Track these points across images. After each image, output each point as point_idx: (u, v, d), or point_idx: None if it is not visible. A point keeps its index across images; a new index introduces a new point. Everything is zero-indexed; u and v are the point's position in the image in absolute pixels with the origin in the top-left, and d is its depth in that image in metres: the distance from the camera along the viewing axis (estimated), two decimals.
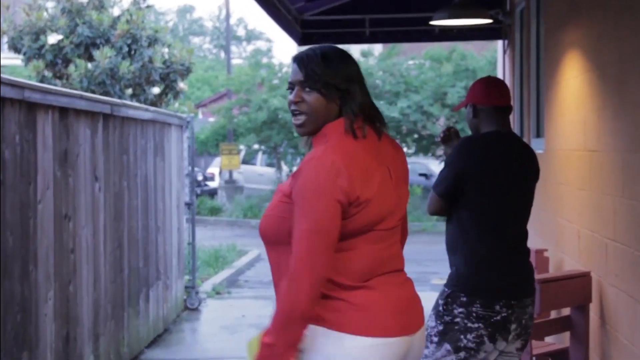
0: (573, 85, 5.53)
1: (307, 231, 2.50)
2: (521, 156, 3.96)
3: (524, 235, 3.93)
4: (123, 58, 10.67)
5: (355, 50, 20.22)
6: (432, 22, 7.44)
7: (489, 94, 3.93)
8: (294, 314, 2.53)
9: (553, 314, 5.57)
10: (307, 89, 2.63)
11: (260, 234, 2.69)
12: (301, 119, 2.65)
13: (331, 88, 2.62)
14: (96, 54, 10.49)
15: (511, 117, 8.53)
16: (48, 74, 10.77)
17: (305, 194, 2.51)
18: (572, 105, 5.54)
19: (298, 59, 2.67)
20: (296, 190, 2.53)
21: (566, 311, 5.07)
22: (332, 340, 2.56)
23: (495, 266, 3.68)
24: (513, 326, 3.73)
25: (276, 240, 2.63)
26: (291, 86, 2.68)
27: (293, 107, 2.66)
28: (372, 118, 2.67)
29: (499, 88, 3.99)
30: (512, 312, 3.70)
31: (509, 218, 3.82)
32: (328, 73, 2.63)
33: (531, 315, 3.83)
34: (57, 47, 10.73)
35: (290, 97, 2.67)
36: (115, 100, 6.83)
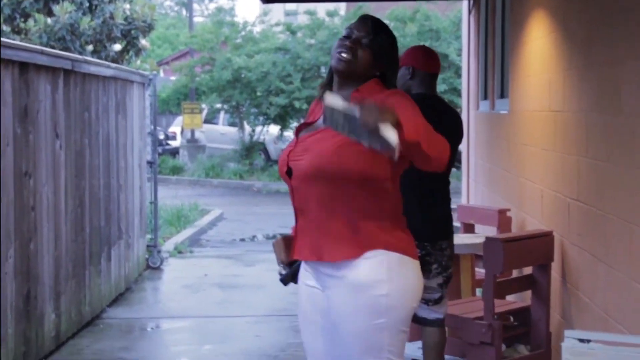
0: (538, 46, 5.52)
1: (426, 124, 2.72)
2: (447, 118, 4.41)
3: (441, 187, 4.44)
4: (84, 14, 10.48)
5: (320, 9, 20.08)
6: None
7: (427, 61, 4.50)
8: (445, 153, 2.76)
9: (515, 273, 5.62)
10: (365, 44, 2.94)
11: (310, 172, 2.88)
12: (345, 56, 2.92)
13: (380, 56, 2.97)
14: (56, 9, 10.29)
15: (476, 77, 8.56)
16: (6, 28, 10.56)
17: (410, 105, 2.75)
18: (537, 66, 5.54)
19: (371, 19, 3.00)
20: (399, 103, 2.71)
21: (528, 270, 5.12)
22: (405, 263, 2.94)
23: (413, 214, 3.77)
24: (434, 266, 4.35)
25: (333, 176, 2.86)
26: (350, 33, 2.96)
27: (343, 48, 2.93)
28: None
29: (435, 57, 4.57)
30: (427, 252, 4.30)
31: (426, 173, 4.02)
32: (388, 45, 2.99)
33: (449, 256, 4.42)
34: (16, 1, 10.51)
35: (347, 42, 2.94)
36: (77, 56, 6.72)
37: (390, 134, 2.42)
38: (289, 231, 3.12)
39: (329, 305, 2.97)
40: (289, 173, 2.99)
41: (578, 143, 4.53)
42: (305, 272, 3.08)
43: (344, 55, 2.93)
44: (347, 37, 2.96)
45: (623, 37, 3.81)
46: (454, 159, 4.14)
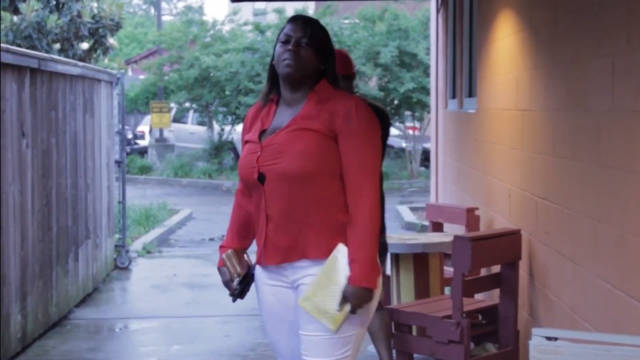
0: (506, 44, 5.55)
1: (376, 159, 3.05)
2: None
3: None
4: (50, 12, 10.38)
5: (289, 8, 20.07)
6: None
7: (343, 64, 4.66)
8: (377, 229, 3.03)
9: (483, 272, 5.65)
10: (305, 44, 3.08)
11: (292, 172, 3.00)
12: (293, 62, 3.06)
13: (321, 51, 3.12)
14: (22, 6, 10.17)
15: (444, 76, 8.59)
16: None
17: (369, 131, 3.04)
18: (505, 65, 5.57)
19: (302, 20, 3.14)
20: (356, 127, 3.02)
21: (496, 269, 5.14)
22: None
23: None
24: None
25: (314, 174, 3.00)
26: (288, 38, 3.10)
27: (287, 55, 3.07)
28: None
29: (347, 60, 4.84)
30: None
31: None
32: (325, 38, 3.15)
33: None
34: None
35: (290, 45, 3.07)
36: (43, 54, 6.66)
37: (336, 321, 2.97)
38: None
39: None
40: (260, 179, 3.05)
41: (545, 141, 4.56)
42: (265, 274, 3.17)
43: (291, 61, 3.07)
44: (285, 42, 3.11)
45: (589, 36, 3.84)
46: (383, 157, 4.16)
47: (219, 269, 3.31)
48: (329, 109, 3.06)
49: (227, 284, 3.26)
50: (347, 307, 2.94)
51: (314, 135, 3.03)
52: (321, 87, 3.14)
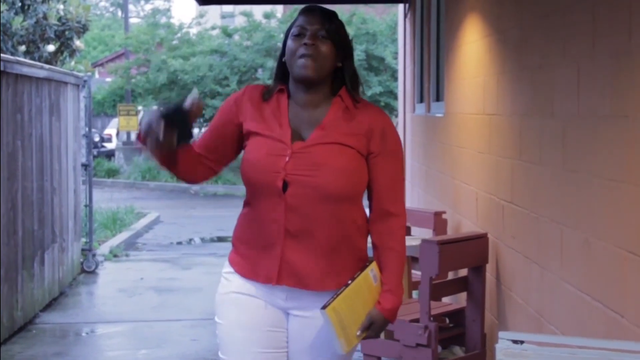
0: (473, 49, 5.59)
1: (404, 181, 2.87)
2: None
3: None
4: (16, 13, 10.29)
5: (257, 11, 20.05)
6: None
7: None
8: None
9: (450, 275, 5.67)
10: (322, 38, 2.74)
11: (330, 191, 2.68)
12: (310, 61, 2.71)
13: (341, 45, 2.78)
14: None
15: (412, 80, 8.63)
16: None
17: (400, 150, 2.83)
18: (472, 70, 5.61)
19: (318, 10, 2.78)
20: (392, 148, 2.78)
21: (463, 272, 5.17)
22: None
23: None
24: None
25: (349, 195, 2.74)
26: (303, 31, 2.74)
27: (304, 51, 2.71)
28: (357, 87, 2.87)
29: None
30: None
31: None
32: (344, 32, 2.81)
33: None
34: None
35: (306, 39, 2.72)
36: (8, 56, 6.59)
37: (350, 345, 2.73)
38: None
39: (296, 329, 2.81)
40: (283, 187, 2.69)
41: (512, 146, 4.60)
42: (253, 287, 2.79)
43: (309, 59, 2.71)
44: (299, 35, 2.74)
45: (555, 41, 3.87)
46: None
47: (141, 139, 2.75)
48: (362, 125, 2.75)
49: (150, 134, 2.66)
50: (365, 333, 2.74)
51: (352, 153, 2.72)
52: (345, 92, 2.81)
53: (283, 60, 2.80)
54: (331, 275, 2.73)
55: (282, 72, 2.82)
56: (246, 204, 2.84)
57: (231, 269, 2.85)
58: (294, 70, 2.74)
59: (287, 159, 2.70)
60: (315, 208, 2.68)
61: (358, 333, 2.72)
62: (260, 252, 2.76)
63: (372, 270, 2.75)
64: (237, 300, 2.80)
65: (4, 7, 10.05)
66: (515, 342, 2.48)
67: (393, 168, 2.79)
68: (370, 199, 2.83)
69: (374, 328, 2.75)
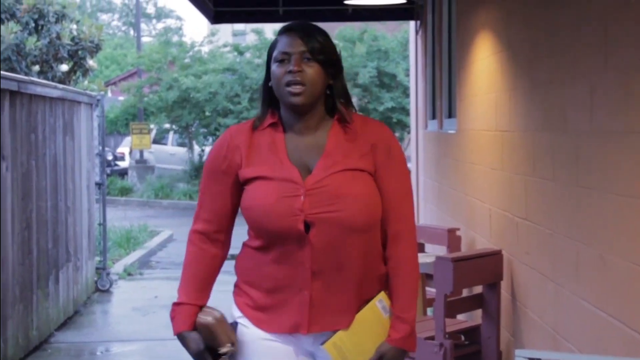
0: (484, 65, 5.60)
1: (412, 196, 2.65)
2: None
3: None
4: (29, 34, 10.37)
5: (268, 29, 20.11)
6: (346, 2, 7.44)
7: None
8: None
9: (465, 292, 5.66)
10: (308, 60, 2.54)
11: (356, 222, 2.50)
12: (299, 88, 2.51)
13: (329, 63, 2.58)
14: (1, 29, 10.16)
15: (424, 97, 8.64)
16: None
17: (405, 164, 2.62)
18: (484, 86, 5.61)
19: (299, 29, 2.57)
20: (397, 163, 2.60)
21: (478, 289, 5.16)
22: None
23: None
24: None
25: (374, 222, 2.56)
26: (286, 57, 2.54)
27: (290, 78, 2.51)
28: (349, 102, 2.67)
29: None
30: None
31: None
32: (330, 47, 2.60)
33: None
34: None
35: (291, 66, 2.52)
36: (22, 77, 6.63)
37: None
38: (235, 251, 2.63)
39: None
40: (305, 229, 2.49)
41: (525, 162, 4.59)
42: (271, 336, 2.58)
43: (297, 88, 2.51)
44: (282, 61, 2.54)
45: (567, 57, 3.88)
46: None
47: (182, 335, 2.60)
48: (366, 143, 2.57)
49: (200, 355, 2.57)
50: None
51: (364, 176, 2.54)
52: (341, 110, 2.62)
53: (270, 85, 2.60)
54: (359, 308, 2.57)
55: (270, 97, 2.62)
56: (253, 247, 2.60)
57: (243, 316, 2.63)
58: (284, 98, 2.55)
59: (302, 198, 2.49)
60: (343, 244, 2.50)
61: None
62: (283, 301, 2.54)
63: (380, 301, 2.58)
64: (267, 350, 2.59)
65: (17, 27, 10.13)
66: (531, 359, 2.47)
67: (400, 183, 2.60)
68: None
69: None
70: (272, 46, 2.60)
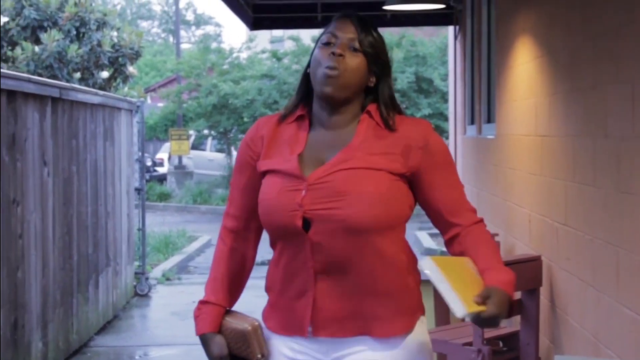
0: (524, 70, 5.56)
1: (463, 190, 2.43)
2: None
3: None
4: (71, 41, 10.50)
5: (305, 35, 20.17)
6: (386, 7, 7.44)
7: None
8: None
9: None
10: (354, 50, 2.35)
11: (360, 223, 2.26)
12: (334, 72, 2.31)
13: (375, 60, 2.39)
14: (43, 36, 10.30)
15: (462, 102, 8.60)
16: None
17: (451, 160, 2.43)
18: (523, 91, 5.58)
19: (355, 18, 2.39)
20: (440, 159, 2.36)
21: (517, 295, 5.12)
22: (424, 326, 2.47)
23: None
24: None
25: (385, 225, 2.29)
26: (333, 40, 2.35)
27: (329, 62, 2.32)
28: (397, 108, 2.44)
29: None
30: None
31: None
32: (382, 45, 2.41)
33: None
34: (3, 30, 10.52)
35: (334, 48, 2.33)
36: (64, 83, 6.72)
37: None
38: (271, 256, 2.45)
39: None
40: (304, 226, 2.29)
41: (565, 167, 4.56)
42: (285, 342, 2.40)
43: (334, 73, 2.31)
44: (327, 44, 2.36)
45: (607, 61, 3.84)
46: None
47: (205, 336, 2.46)
48: (397, 142, 2.35)
49: None
50: (485, 306, 2.15)
51: (381, 175, 2.29)
52: (375, 108, 2.40)
53: (307, 71, 2.42)
54: (381, 319, 2.32)
55: (305, 87, 2.43)
56: (272, 248, 2.45)
57: (265, 326, 2.46)
58: (316, 85, 2.35)
59: (303, 192, 2.29)
60: (347, 245, 2.27)
61: (477, 300, 2.14)
62: (291, 302, 2.37)
63: (468, 261, 2.28)
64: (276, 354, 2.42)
65: (59, 35, 10.26)
66: None
67: (449, 180, 2.37)
68: (434, 221, 2.42)
69: (494, 300, 2.16)
70: (323, 32, 2.42)
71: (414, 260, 2.40)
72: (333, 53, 2.32)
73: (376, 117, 2.38)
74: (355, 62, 2.34)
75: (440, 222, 2.39)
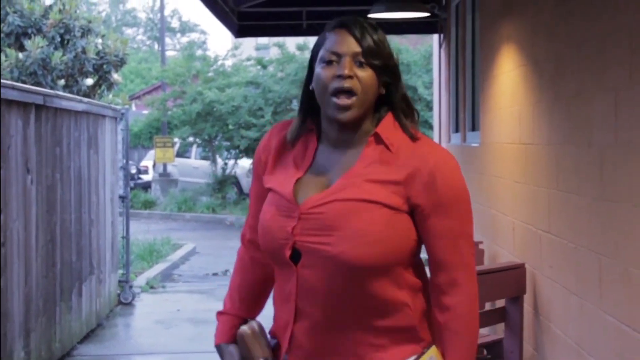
0: (508, 79, 5.58)
1: (471, 237, 2.17)
2: None
3: None
4: (55, 48, 10.46)
5: (291, 42, 20.18)
6: (370, 15, 7.45)
7: None
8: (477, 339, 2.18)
9: (488, 306, 5.63)
10: (360, 65, 2.12)
11: (350, 262, 2.04)
12: (349, 101, 2.10)
13: (384, 69, 2.16)
14: (27, 43, 10.26)
15: (447, 110, 8.62)
16: None
17: (460, 199, 2.14)
18: (508, 99, 5.60)
19: (353, 26, 2.14)
20: (444, 197, 2.10)
21: (501, 303, 5.13)
22: None
23: None
24: None
25: (380, 266, 2.07)
26: (335, 58, 2.12)
27: (338, 85, 2.10)
28: (411, 115, 2.23)
29: None
30: None
31: None
32: (387, 49, 2.18)
33: None
34: None
35: (341, 69, 2.10)
36: (48, 91, 6.69)
37: None
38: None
39: None
40: (293, 257, 2.11)
41: (549, 175, 4.57)
42: None
43: (344, 103, 2.10)
44: (330, 62, 2.13)
45: (591, 70, 3.86)
46: None
47: (220, 347, 2.36)
48: (401, 170, 2.10)
49: None
50: None
51: (379, 210, 2.06)
52: (386, 124, 2.17)
53: (310, 88, 2.19)
54: None
55: (309, 103, 2.22)
56: None
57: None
58: (328, 110, 2.13)
59: (294, 223, 2.11)
60: (334, 285, 2.07)
61: None
62: (278, 325, 2.24)
63: (431, 358, 2.14)
64: None
65: (43, 42, 10.22)
66: None
67: (449, 225, 2.11)
68: (428, 263, 2.20)
69: None
70: (318, 44, 2.18)
71: (415, 294, 2.16)
72: (341, 76, 2.10)
73: (386, 137, 2.15)
74: (366, 77, 2.12)
75: (430, 268, 2.20)
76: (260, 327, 2.32)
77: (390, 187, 2.09)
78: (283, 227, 2.12)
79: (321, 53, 2.16)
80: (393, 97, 2.19)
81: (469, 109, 7.41)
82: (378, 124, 2.18)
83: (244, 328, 2.31)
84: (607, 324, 3.63)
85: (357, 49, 2.12)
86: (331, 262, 2.05)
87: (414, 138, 2.15)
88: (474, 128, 7.20)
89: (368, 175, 2.11)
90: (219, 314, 2.40)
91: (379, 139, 2.15)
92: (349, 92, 2.10)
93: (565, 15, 4.30)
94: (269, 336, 2.31)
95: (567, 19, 4.26)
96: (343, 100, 2.10)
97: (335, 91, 2.10)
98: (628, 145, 3.39)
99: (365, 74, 2.12)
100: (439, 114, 9.42)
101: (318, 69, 2.15)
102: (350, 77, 2.10)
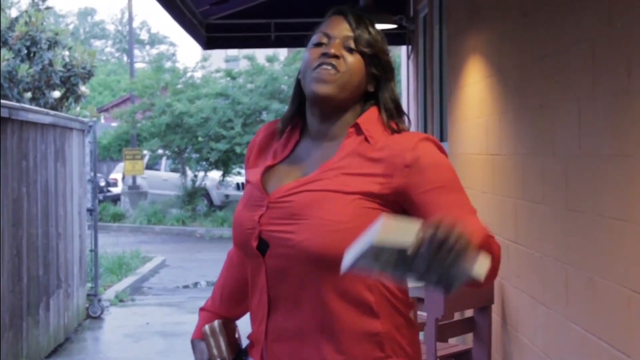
0: (475, 90, 5.62)
1: (466, 195, 2.04)
2: None
3: None
4: (22, 61, 10.38)
5: (260, 54, 20.18)
6: None
7: None
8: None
9: (456, 316, 5.64)
10: (350, 50, 2.06)
11: (311, 251, 1.94)
12: (331, 74, 2.02)
13: (375, 61, 2.10)
14: None
15: (415, 120, 8.66)
16: None
17: (452, 179, 2.02)
18: (475, 110, 5.63)
19: (349, 13, 2.10)
20: (431, 171, 1.96)
21: (469, 313, 5.15)
22: None
23: None
24: None
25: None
26: (325, 40, 2.07)
27: (325, 60, 2.03)
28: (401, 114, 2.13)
29: None
30: None
31: None
32: (381, 44, 2.11)
33: None
34: None
35: (329, 49, 2.04)
36: (14, 103, 6.64)
37: (481, 266, 1.68)
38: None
39: None
40: (261, 248, 2.03)
41: (515, 185, 4.60)
42: None
43: (327, 72, 2.02)
44: (319, 44, 2.07)
45: (555, 81, 3.90)
46: None
47: (193, 342, 2.30)
48: (380, 161, 2.00)
49: None
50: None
51: (353, 201, 1.96)
52: (369, 117, 2.08)
53: (299, 76, 2.14)
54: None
55: (299, 94, 2.15)
56: None
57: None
58: (307, 86, 2.05)
59: (262, 210, 2.04)
60: (300, 276, 1.98)
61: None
62: (254, 320, 2.15)
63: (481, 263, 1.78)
64: None
65: (10, 54, 10.14)
66: None
67: (447, 200, 1.98)
68: None
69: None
70: (312, 34, 2.13)
71: (386, 301, 2.02)
72: (326, 54, 2.03)
73: (366, 129, 2.05)
74: (352, 61, 2.05)
75: None
76: (222, 326, 2.25)
77: (368, 178, 1.98)
78: (251, 216, 2.05)
79: (313, 37, 2.11)
80: (381, 96, 2.10)
81: (437, 119, 7.45)
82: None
83: (206, 327, 2.27)
84: (573, 332, 3.66)
85: (349, 33, 2.07)
86: (293, 251, 1.95)
87: (395, 132, 2.06)
88: (442, 139, 7.23)
89: (344, 169, 2.01)
90: (200, 309, 2.37)
91: (359, 130, 2.06)
92: (332, 67, 2.03)
93: (530, 28, 4.34)
94: (244, 338, 2.24)
95: (532, 31, 4.30)
96: (324, 72, 2.03)
97: (317, 65, 2.04)
98: (592, 156, 3.43)
99: (354, 59, 2.06)
100: (407, 124, 9.45)
101: (307, 52, 2.09)
102: (336, 56, 2.04)
